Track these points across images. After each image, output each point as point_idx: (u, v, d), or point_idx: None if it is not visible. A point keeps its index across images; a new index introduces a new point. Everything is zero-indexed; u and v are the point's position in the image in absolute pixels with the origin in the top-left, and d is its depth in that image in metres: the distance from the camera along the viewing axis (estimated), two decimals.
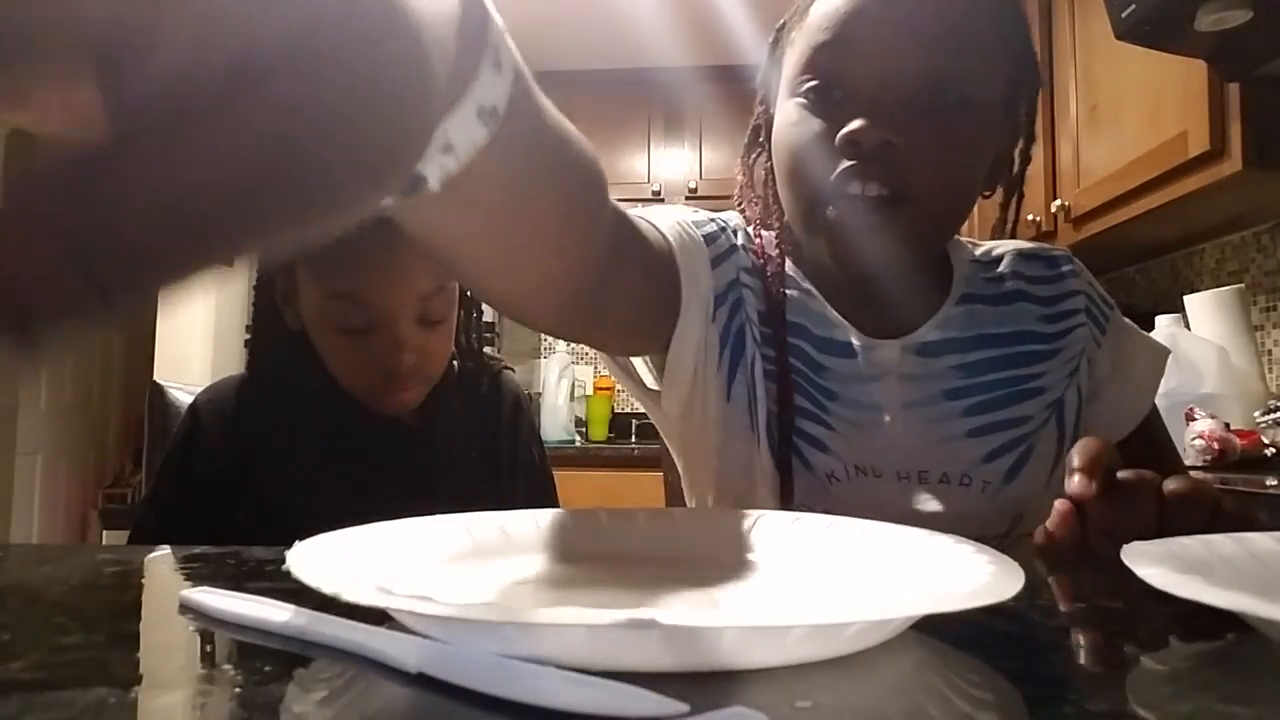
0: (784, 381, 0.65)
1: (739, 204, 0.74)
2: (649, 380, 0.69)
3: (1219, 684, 0.27)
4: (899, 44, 0.58)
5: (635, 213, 0.61)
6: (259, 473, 0.81)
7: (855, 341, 0.67)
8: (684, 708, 0.20)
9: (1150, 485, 0.47)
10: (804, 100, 0.61)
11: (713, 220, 0.69)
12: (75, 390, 4.08)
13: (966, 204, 0.64)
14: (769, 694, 0.24)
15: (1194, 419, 1.53)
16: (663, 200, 3.10)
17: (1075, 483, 0.47)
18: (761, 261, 0.69)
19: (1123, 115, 1.83)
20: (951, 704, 0.24)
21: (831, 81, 0.60)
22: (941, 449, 0.65)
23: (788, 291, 0.69)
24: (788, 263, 0.70)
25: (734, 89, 2.80)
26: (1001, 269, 0.73)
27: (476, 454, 0.90)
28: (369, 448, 0.84)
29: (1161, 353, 0.75)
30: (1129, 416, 0.72)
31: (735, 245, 0.69)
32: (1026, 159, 0.69)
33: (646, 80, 3.07)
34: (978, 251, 0.75)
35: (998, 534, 0.65)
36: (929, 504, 0.63)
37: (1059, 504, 0.47)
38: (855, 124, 0.57)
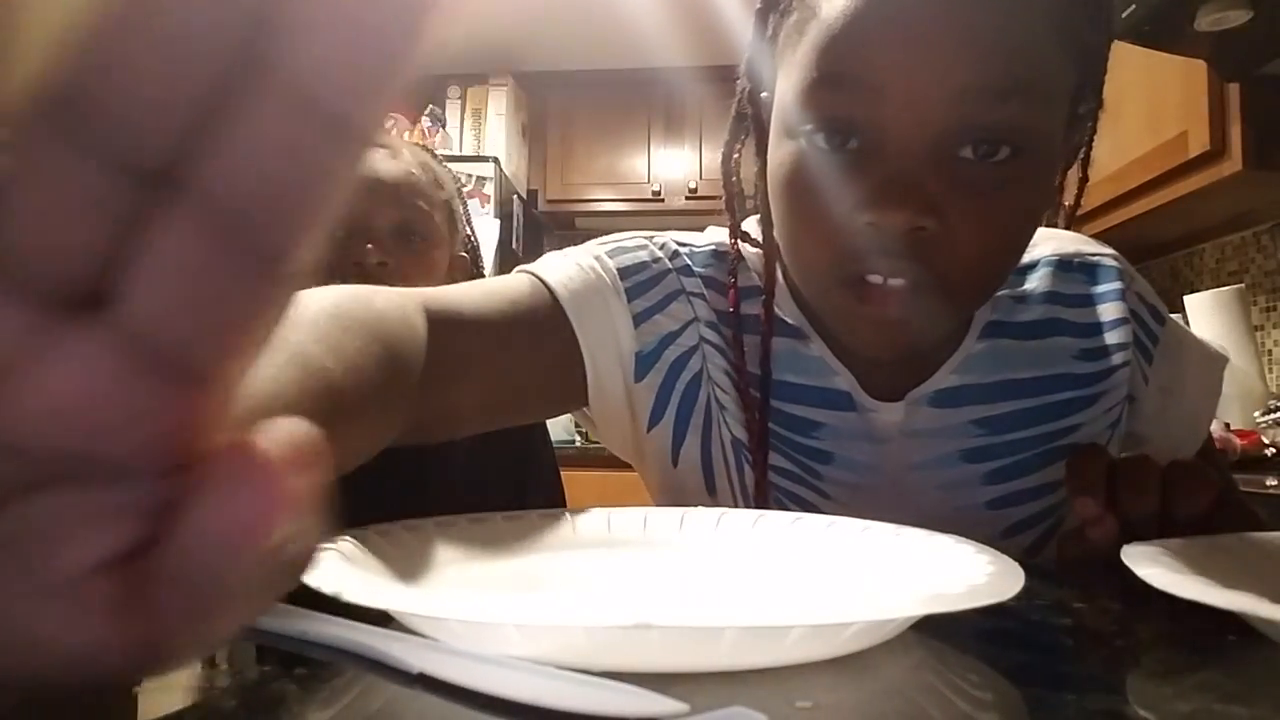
0: (758, 449, 0.56)
1: (728, 209, 0.61)
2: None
3: (1219, 684, 0.27)
4: (935, 91, 0.43)
5: (525, 266, 0.57)
6: None
7: (856, 395, 0.57)
8: (684, 708, 0.19)
9: (1151, 467, 0.46)
10: (808, 145, 0.47)
11: (655, 262, 0.58)
12: None
13: (1015, 265, 0.53)
14: (769, 694, 0.24)
15: None
16: (662, 200, 3.10)
17: (1080, 508, 0.45)
18: (733, 309, 0.58)
19: (1123, 115, 1.83)
20: (951, 704, 0.24)
21: (843, 131, 0.46)
22: (954, 520, 0.55)
23: (772, 340, 0.58)
24: (777, 291, 0.59)
25: (734, 89, 2.79)
26: (1033, 284, 0.60)
27: (487, 455, 0.90)
28: None
29: (1216, 364, 0.63)
30: (1182, 450, 0.61)
31: (683, 290, 0.58)
32: (1092, 133, 0.54)
33: (646, 80, 3.07)
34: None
35: None
36: None
37: (1087, 508, 0.45)
38: (875, 201, 0.45)
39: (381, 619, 0.27)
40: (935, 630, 0.29)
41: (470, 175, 2.64)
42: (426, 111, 2.88)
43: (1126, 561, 0.32)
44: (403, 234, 0.89)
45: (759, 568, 0.40)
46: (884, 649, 0.28)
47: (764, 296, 0.58)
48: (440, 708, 0.22)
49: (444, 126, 2.90)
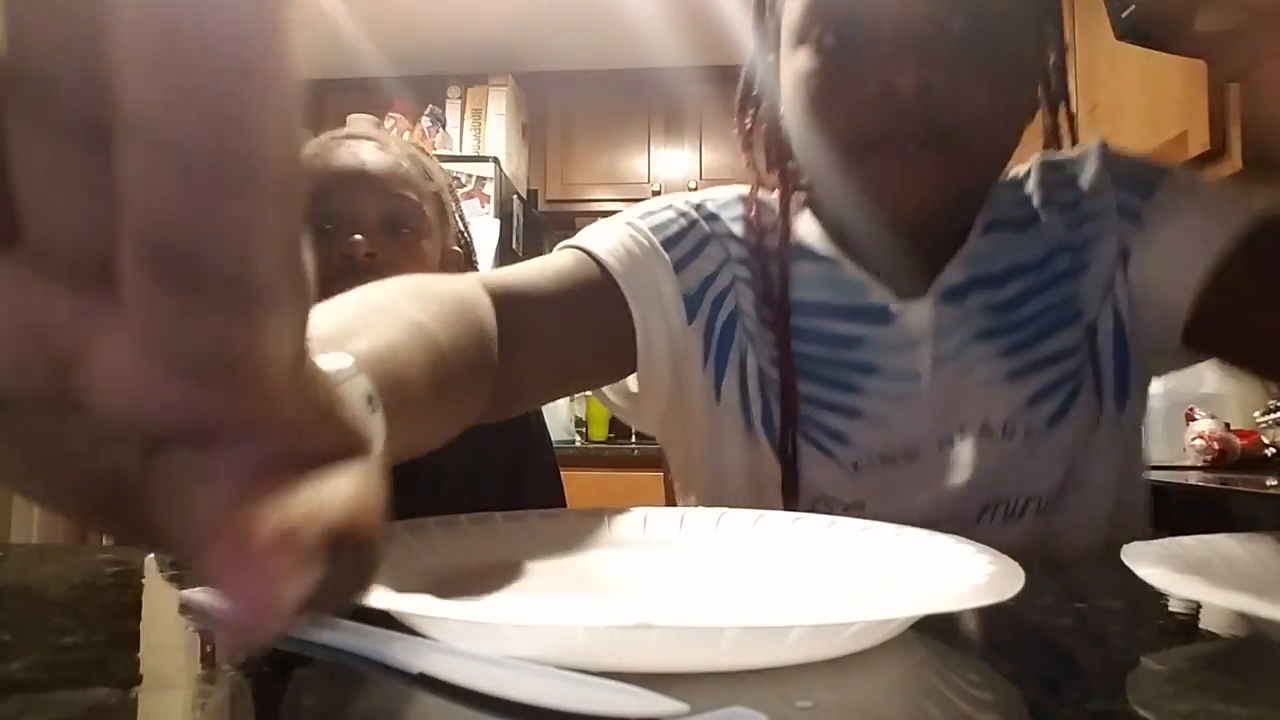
0: (786, 372, 0.60)
1: (746, 163, 0.67)
2: (617, 400, 0.67)
3: (1219, 684, 0.27)
4: None
5: (567, 242, 0.61)
6: None
7: (890, 305, 0.60)
8: (684, 708, 0.19)
9: None
10: (817, 46, 0.55)
11: (683, 215, 0.64)
12: None
13: (1017, 134, 0.58)
14: (769, 694, 0.24)
15: (1194, 419, 1.53)
16: None
17: None
18: (758, 240, 0.63)
19: (1123, 115, 1.83)
20: (951, 704, 0.24)
21: (849, 25, 0.54)
22: (976, 398, 0.59)
23: (800, 265, 0.62)
24: (806, 223, 0.64)
25: (734, 89, 2.78)
26: (1027, 187, 0.65)
27: (483, 453, 0.90)
28: None
29: (1237, 200, 0.59)
30: (1189, 265, 0.57)
31: (713, 235, 0.64)
32: (1062, 68, 0.60)
33: (646, 80, 3.07)
34: (1008, 176, 0.67)
35: (1048, 496, 0.58)
36: (962, 474, 0.58)
37: None
38: (887, 66, 0.51)
39: (381, 619, 0.27)
40: (935, 630, 0.30)
41: (470, 175, 2.64)
42: (426, 111, 2.88)
43: (1127, 561, 0.32)
44: (391, 225, 0.88)
45: (759, 568, 0.40)
46: (884, 649, 0.28)
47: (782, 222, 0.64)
48: (440, 708, 0.22)
49: (444, 126, 2.90)
